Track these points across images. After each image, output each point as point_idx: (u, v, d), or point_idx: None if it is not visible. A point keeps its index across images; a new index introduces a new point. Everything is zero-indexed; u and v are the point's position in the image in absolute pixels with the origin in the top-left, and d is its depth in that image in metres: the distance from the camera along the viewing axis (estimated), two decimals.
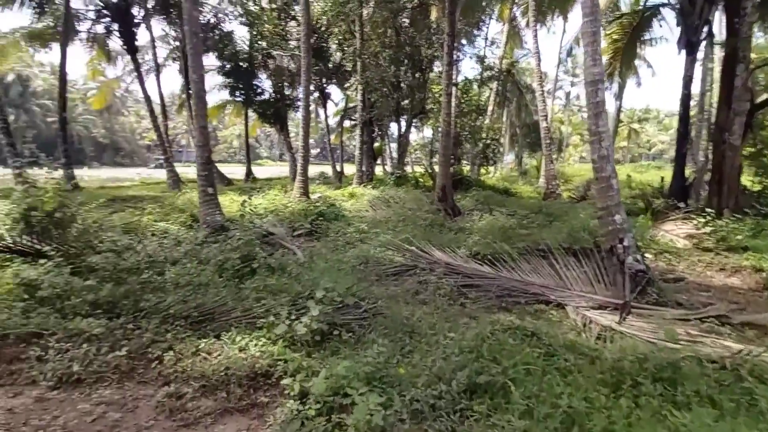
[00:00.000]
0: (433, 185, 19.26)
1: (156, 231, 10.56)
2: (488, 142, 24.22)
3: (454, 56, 15.65)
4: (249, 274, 6.48)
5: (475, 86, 27.43)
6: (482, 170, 27.00)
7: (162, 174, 34.50)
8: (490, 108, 27.95)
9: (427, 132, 45.66)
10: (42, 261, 5.81)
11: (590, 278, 6.52)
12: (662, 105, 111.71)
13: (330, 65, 28.84)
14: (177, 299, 5.39)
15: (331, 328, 4.74)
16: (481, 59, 23.74)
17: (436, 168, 26.36)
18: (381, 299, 5.79)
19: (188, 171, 38.62)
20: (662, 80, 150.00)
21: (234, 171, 35.61)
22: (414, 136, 51.00)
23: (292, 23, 26.06)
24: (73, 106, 64.91)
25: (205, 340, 4.51)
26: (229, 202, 15.08)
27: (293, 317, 4.74)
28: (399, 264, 7.63)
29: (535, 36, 21.03)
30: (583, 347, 4.26)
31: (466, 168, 28.21)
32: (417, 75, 22.35)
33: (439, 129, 34.27)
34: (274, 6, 26.47)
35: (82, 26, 24.34)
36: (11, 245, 6.46)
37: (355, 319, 5.08)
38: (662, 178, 17.84)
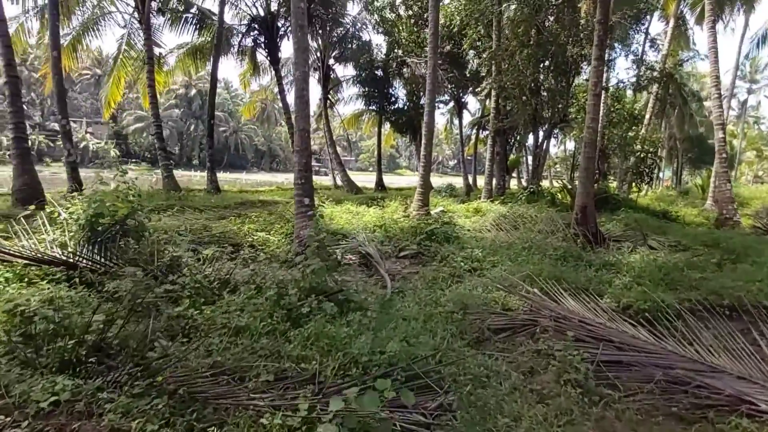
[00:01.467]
0: (572, 204, 16.36)
1: (255, 241, 9.60)
2: (643, 155, 20.33)
3: (606, 54, 12.78)
4: (309, 315, 4.85)
5: (628, 92, 23.56)
6: (633, 188, 22.98)
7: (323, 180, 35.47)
8: (647, 117, 23.79)
9: (570, 144, 41.43)
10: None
11: None
12: None
13: (466, 73, 26.97)
14: (196, 351, 3.97)
15: None
16: (638, 59, 20.01)
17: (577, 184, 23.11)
18: (473, 381, 3.77)
19: (319, 177, 39.75)
20: None
21: (371, 179, 35.28)
22: (554, 149, 46.85)
23: (428, 32, 24.71)
24: (240, 117, 70.94)
25: None
26: (344, 213, 13.96)
27: (319, 410, 2.98)
28: (513, 316, 5.47)
29: (712, 28, 16.96)
30: None
31: (613, 185, 24.36)
32: (559, 78, 19.44)
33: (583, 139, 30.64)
34: (410, 13, 25.32)
35: (235, 40, 25.48)
36: (55, 257, 5.57)
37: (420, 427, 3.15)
38: None
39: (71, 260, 5.46)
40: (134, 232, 6.56)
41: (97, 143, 63.20)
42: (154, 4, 20.45)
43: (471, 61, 26.34)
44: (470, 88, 29.15)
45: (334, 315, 4.96)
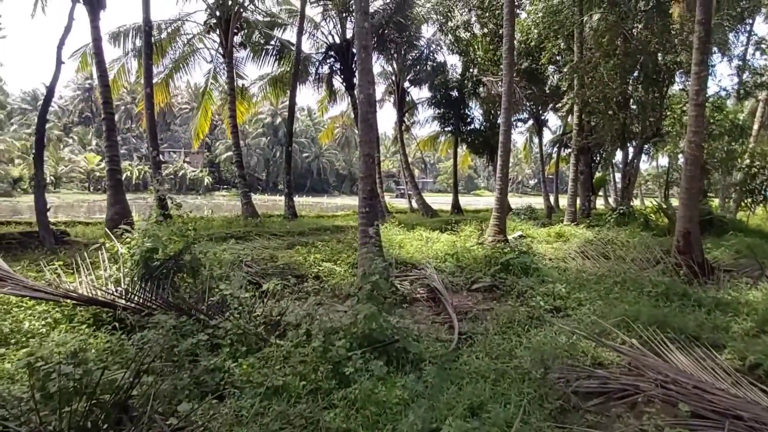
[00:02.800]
0: (670, 228, 14.51)
1: (320, 272, 9.12)
2: (754, 170, 17.86)
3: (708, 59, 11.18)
4: (357, 372, 4.13)
5: (728, 102, 21.05)
6: (741, 207, 20.27)
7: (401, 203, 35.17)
8: (755, 128, 21.05)
9: (662, 160, 38.01)
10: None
11: None
12: None
13: (546, 89, 25.57)
14: (223, 418, 3.40)
15: None
16: (742, 64, 17.74)
17: (673, 203, 20.75)
18: None
19: (397, 200, 39.22)
20: None
21: (449, 201, 34.36)
22: (645, 165, 43.32)
23: (504, 48, 23.73)
24: (321, 142, 72.97)
25: None
26: (415, 240, 13.23)
27: None
28: (606, 376, 4.42)
29: None
30: None
31: (714, 202, 21.70)
32: (651, 89, 17.63)
33: (680, 155, 27.79)
34: (485, 30, 24.48)
35: (312, 68, 25.94)
36: (97, 299, 5.28)
37: None
38: None
39: (115, 301, 5.16)
40: (189, 268, 6.26)
41: (193, 171, 67.52)
42: (237, 39, 21.21)
43: (550, 76, 24.98)
44: (550, 105, 27.64)
45: (388, 371, 4.22)
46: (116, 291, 5.52)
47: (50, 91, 12.35)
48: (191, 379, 3.97)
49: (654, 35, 15.84)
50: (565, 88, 20.07)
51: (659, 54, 16.75)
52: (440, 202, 38.37)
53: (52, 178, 56.85)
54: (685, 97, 19.96)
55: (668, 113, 18.46)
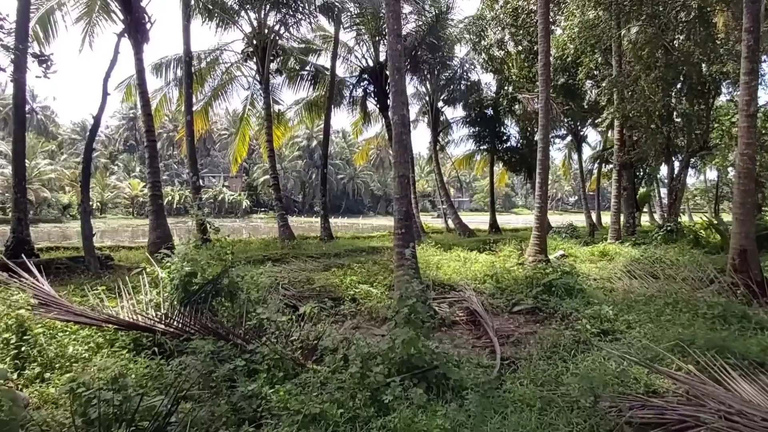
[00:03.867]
0: (723, 245, 13.84)
1: (356, 294, 9.05)
2: None
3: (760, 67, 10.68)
4: (396, 400, 4.00)
5: None
6: None
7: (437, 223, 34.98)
8: None
9: (710, 174, 36.53)
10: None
11: None
12: None
13: (584, 104, 25.15)
14: None
15: None
16: None
17: (725, 218, 19.82)
18: None
19: (433, 220, 38.93)
20: None
21: (486, 220, 33.87)
22: (692, 180, 41.79)
23: (539, 64, 23.52)
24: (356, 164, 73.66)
25: None
26: (452, 260, 13.04)
27: None
28: (662, 406, 4.14)
29: None
30: None
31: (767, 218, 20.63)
32: (696, 101, 17.04)
33: (730, 168, 26.64)
34: (519, 48, 24.37)
35: (346, 92, 26.38)
36: (136, 323, 5.36)
37: None
38: None
39: (154, 325, 5.23)
40: (227, 292, 6.31)
41: (232, 195, 69.26)
42: (273, 66, 21.82)
43: (588, 91, 24.55)
44: (589, 120, 27.13)
45: (428, 399, 4.08)
46: (156, 315, 5.60)
47: (97, 121, 12.92)
48: (229, 405, 3.94)
49: (697, 45, 15.37)
50: (604, 103, 19.65)
51: (703, 64, 16.23)
52: (477, 221, 37.97)
53: (98, 204, 59.40)
54: (733, 108, 19.23)
55: (715, 125, 17.78)
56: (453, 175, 55.07)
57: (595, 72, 20.37)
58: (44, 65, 10.82)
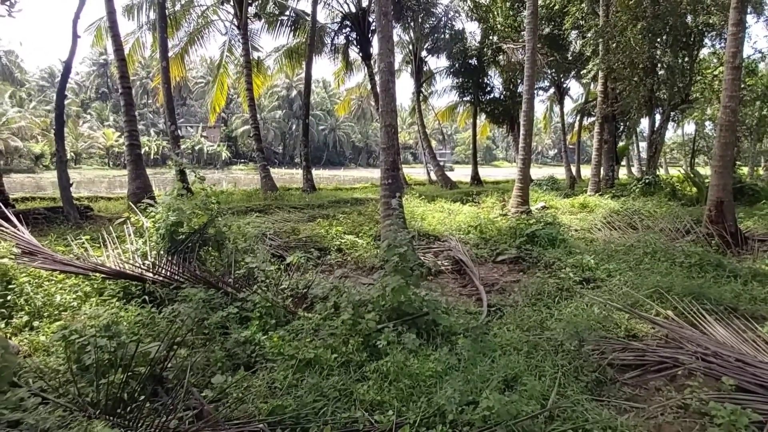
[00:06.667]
0: (699, 197, 14.15)
1: (342, 245, 9.08)
2: None
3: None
4: (389, 345, 4.08)
5: (760, 65, 20.31)
6: None
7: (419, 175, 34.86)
8: None
9: (688, 128, 36.88)
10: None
11: None
12: None
13: (568, 56, 24.81)
14: (257, 390, 3.41)
15: None
16: None
17: (702, 171, 20.18)
18: None
19: (414, 172, 39.02)
20: None
21: (467, 173, 33.91)
22: (669, 133, 42.24)
23: (526, 12, 23.00)
24: (338, 114, 72.44)
25: None
26: (436, 212, 13.10)
27: None
28: (642, 348, 4.31)
29: None
30: None
31: (742, 170, 21.13)
32: (681, 53, 16.94)
33: (707, 123, 26.92)
34: None
35: (328, 39, 25.50)
36: (126, 272, 5.29)
37: None
38: None
39: (143, 274, 5.18)
40: (214, 241, 6.25)
41: (210, 146, 67.76)
42: (251, 10, 20.88)
43: (573, 42, 24.16)
44: (573, 72, 26.86)
45: (420, 344, 4.18)
46: (143, 264, 5.54)
47: (67, 66, 12.30)
48: (223, 351, 3.98)
49: None
50: (589, 54, 19.42)
51: (690, 15, 16.04)
52: (458, 174, 37.99)
53: (72, 154, 57.55)
54: (715, 61, 19.23)
55: (698, 78, 17.78)
56: (435, 127, 54.61)
57: (581, 22, 19.98)
58: (8, 3, 10.16)
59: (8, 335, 4.33)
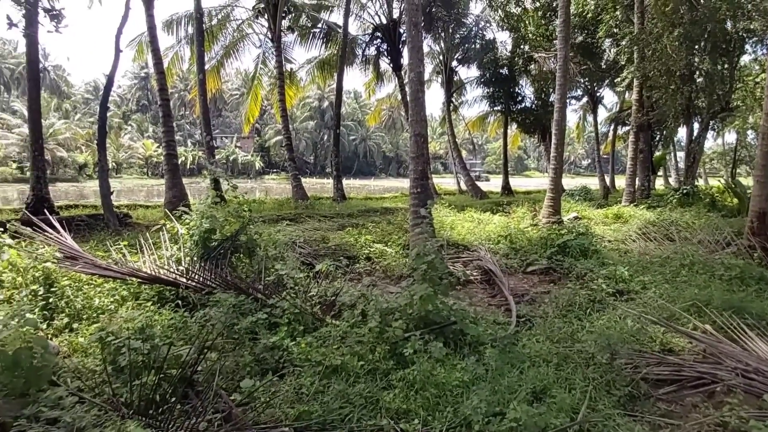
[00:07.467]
0: (740, 208, 13.64)
1: (371, 253, 9.11)
2: None
3: None
4: (416, 353, 4.06)
5: None
6: None
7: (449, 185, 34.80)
8: None
9: (729, 137, 35.68)
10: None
11: None
12: None
13: (602, 64, 24.39)
14: (284, 395, 3.44)
15: None
16: None
17: (744, 182, 19.43)
18: None
19: (444, 181, 38.97)
20: None
21: (497, 183, 33.56)
22: (708, 143, 40.91)
23: (558, 21, 22.73)
24: (368, 125, 73.03)
25: None
26: (466, 221, 13.01)
27: None
28: (678, 363, 4.16)
29: None
30: None
31: None
32: (720, 60, 16.43)
33: (750, 132, 25.98)
34: (537, 4, 23.52)
35: (359, 50, 25.81)
36: (160, 278, 5.44)
37: None
38: None
39: (177, 279, 5.32)
40: (245, 249, 6.37)
41: (244, 156, 69.21)
42: (284, 23, 21.33)
43: (607, 50, 23.76)
44: (606, 81, 26.39)
45: (447, 353, 4.14)
46: (177, 270, 5.68)
47: (110, 79, 12.82)
48: (252, 356, 4.04)
49: (723, 1, 14.68)
50: (623, 62, 19.04)
51: (729, 21, 15.55)
52: (488, 183, 37.73)
53: (113, 164, 59.69)
54: (757, 68, 18.58)
55: (739, 86, 17.20)
56: (465, 137, 54.39)
57: (615, 30, 19.63)
58: (55, 20, 10.65)
59: (49, 336, 4.50)
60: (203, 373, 3.70)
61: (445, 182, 41.43)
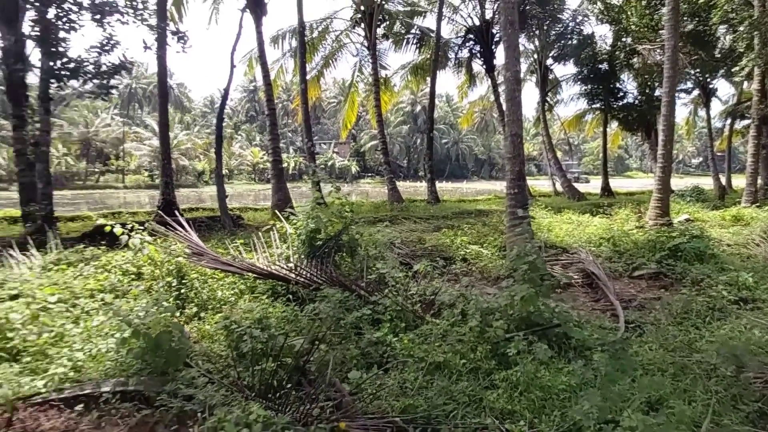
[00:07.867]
0: None
1: (467, 254, 9.01)
2: None
3: None
4: (519, 354, 3.96)
5: None
6: None
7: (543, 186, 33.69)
8: None
9: None
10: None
11: None
12: None
13: (715, 53, 22.11)
14: (389, 388, 3.52)
15: None
16: None
17: None
18: None
19: (539, 183, 37.35)
20: None
21: (595, 185, 31.62)
22: None
23: (665, 9, 20.94)
24: (460, 128, 72.45)
25: None
26: (564, 223, 12.45)
27: None
28: None
29: None
30: None
31: None
32: None
33: None
34: None
35: (451, 53, 25.65)
36: (274, 273, 5.78)
37: None
38: None
39: (288, 275, 5.64)
40: (348, 248, 6.60)
41: (341, 161, 71.57)
42: (379, 31, 21.78)
43: (722, 38, 21.51)
44: (721, 71, 23.87)
45: (551, 356, 3.99)
46: (286, 266, 6.02)
47: (226, 92, 13.89)
48: (358, 349, 4.18)
49: None
50: (742, 50, 17.12)
51: None
52: (585, 185, 35.63)
53: (226, 170, 64.55)
54: None
55: None
56: (561, 137, 51.99)
57: (731, 15, 17.70)
58: (182, 42, 11.77)
59: (182, 323, 4.98)
60: (314, 363, 3.89)
61: (539, 184, 39.79)
